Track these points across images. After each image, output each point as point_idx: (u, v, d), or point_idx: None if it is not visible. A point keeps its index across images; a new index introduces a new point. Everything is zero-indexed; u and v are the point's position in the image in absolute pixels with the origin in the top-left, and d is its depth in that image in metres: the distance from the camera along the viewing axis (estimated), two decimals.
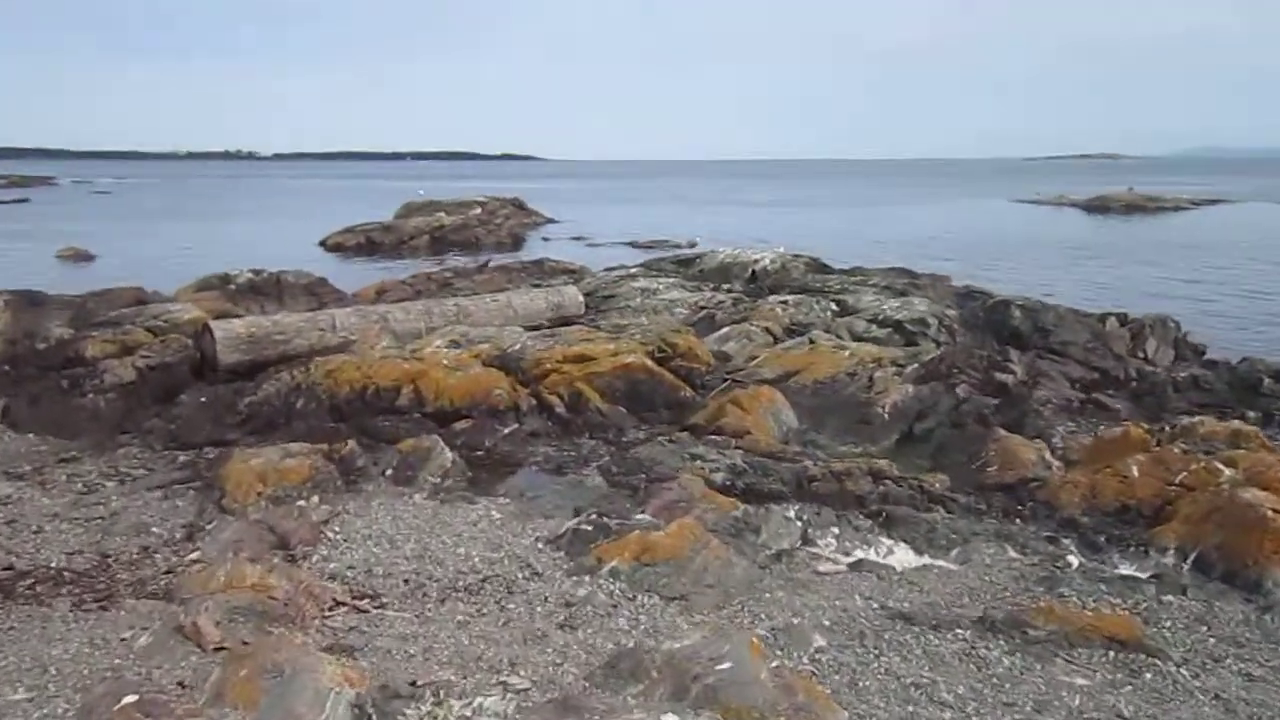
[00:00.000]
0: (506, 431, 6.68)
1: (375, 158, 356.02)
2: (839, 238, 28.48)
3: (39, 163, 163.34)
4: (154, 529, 5.00)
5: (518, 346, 7.73)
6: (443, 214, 29.15)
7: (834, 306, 11.63)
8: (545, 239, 30.27)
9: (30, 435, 7.48)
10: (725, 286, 14.00)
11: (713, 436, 6.36)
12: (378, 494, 5.49)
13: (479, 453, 6.49)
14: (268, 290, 15.04)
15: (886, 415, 7.18)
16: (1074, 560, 4.58)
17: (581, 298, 12.06)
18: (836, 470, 5.44)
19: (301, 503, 5.04)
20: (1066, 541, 4.86)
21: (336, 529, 4.90)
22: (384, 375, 7.15)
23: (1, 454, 7.06)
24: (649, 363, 7.24)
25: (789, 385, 7.78)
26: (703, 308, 12.33)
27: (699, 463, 5.78)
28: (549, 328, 11.32)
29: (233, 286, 15.01)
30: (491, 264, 19.83)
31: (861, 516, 5.03)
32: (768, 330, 10.28)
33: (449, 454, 5.94)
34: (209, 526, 4.87)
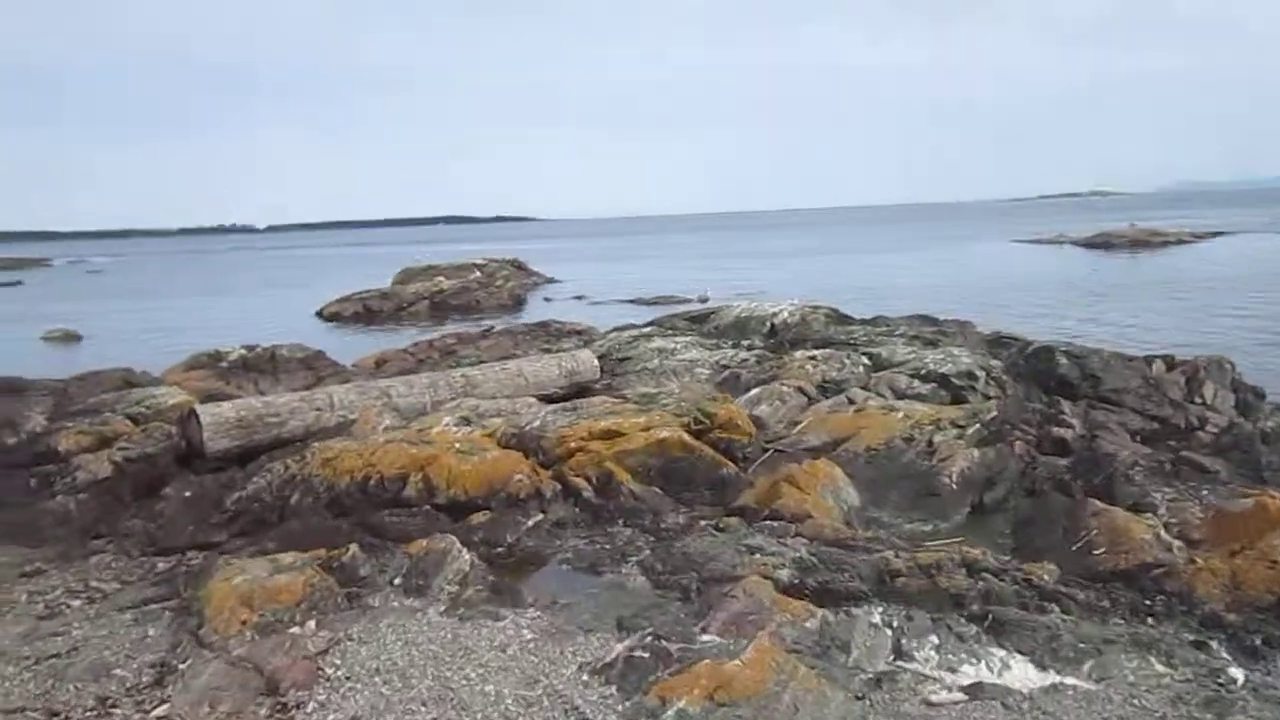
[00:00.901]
0: (530, 524, 5.87)
1: (369, 225, 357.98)
2: (840, 287, 27.82)
3: (33, 245, 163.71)
4: (117, 670, 4.16)
5: (536, 423, 6.94)
6: (441, 278, 28.54)
7: (865, 360, 10.85)
8: (547, 299, 29.63)
9: None
10: (745, 343, 13.26)
11: (768, 522, 5.54)
12: (386, 611, 4.66)
13: (500, 550, 5.67)
14: (262, 366, 14.30)
15: (954, 485, 6.38)
16: (1237, 674, 3.75)
17: (596, 362, 11.31)
18: (924, 562, 4.62)
19: (295, 630, 4.21)
20: (1216, 646, 4.03)
21: (337, 661, 4.07)
22: (389, 463, 6.35)
23: None
24: (686, 437, 6.45)
25: (839, 454, 6.99)
26: (725, 367, 11.57)
27: (758, 556, 4.95)
28: (564, 397, 10.59)
29: (225, 364, 14.27)
30: (495, 329, 19.12)
31: (963, 620, 4.20)
32: (800, 390, 9.51)
33: (466, 556, 5.12)
34: (183, 666, 4.03)
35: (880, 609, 4.33)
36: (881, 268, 37.49)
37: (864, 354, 11.12)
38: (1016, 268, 35.36)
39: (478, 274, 30.12)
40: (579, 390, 11.08)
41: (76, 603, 5.42)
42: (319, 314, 26.89)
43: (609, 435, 6.54)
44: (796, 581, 4.64)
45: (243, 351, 14.62)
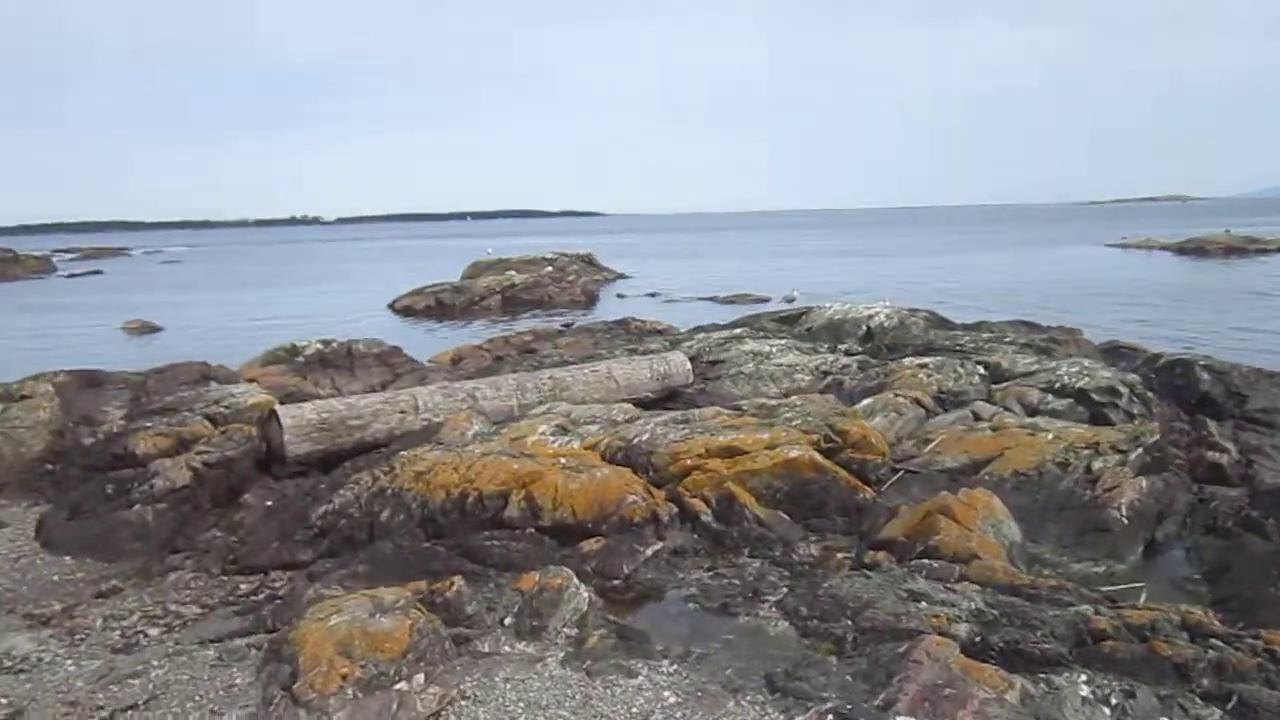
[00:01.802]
0: (649, 553, 5.23)
1: (436, 218, 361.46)
2: (926, 289, 26.79)
3: (113, 234, 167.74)
4: None
5: (645, 436, 6.31)
6: (513, 272, 28.09)
7: (981, 370, 10.06)
8: (620, 295, 29.05)
9: (67, 558, 6.22)
10: (841, 347, 12.52)
11: (924, 561, 4.84)
12: (499, 660, 4.06)
13: (616, 583, 5.05)
14: (338, 362, 13.89)
15: (1125, 519, 5.61)
16: None
17: (689, 365, 10.67)
18: (1134, 622, 3.89)
19: (401, 685, 3.63)
20: None
21: None
22: (488, 479, 5.76)
23: (31, 586, 5.79)
24: (818, 457, 5.77)
25: (982, 478, 6.26)
26: (825, 373, 10.86)
27: (924, 605, 4.26)
28: (655, 401, 9.98)
29: (301, 359, 13.88)
30: (573, 325, 18.58)
31: (1196, 699, 3.48)
32: (917, 401, 8.76)
33: (584, 593, 4.51)
34: None
35: (1085, 678, 3.62)
36: (965, 270, 36.25)
37: (978, 362, 10.32)
38: (1108, 273, 33.91)
39: (549, 269, 29.61)
40: (670, 394, 10.47)
41: (155, 631, 4.93)
42: (391, 307, 26.62)
43: (729, 453, 5.89)
44: (978, 639, 3.94)
45: (319, 346, 14.23)
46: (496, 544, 5.35)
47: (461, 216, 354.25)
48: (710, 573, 5.16)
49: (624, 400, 9.86)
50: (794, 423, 6.22)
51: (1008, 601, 4.28)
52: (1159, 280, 30.59)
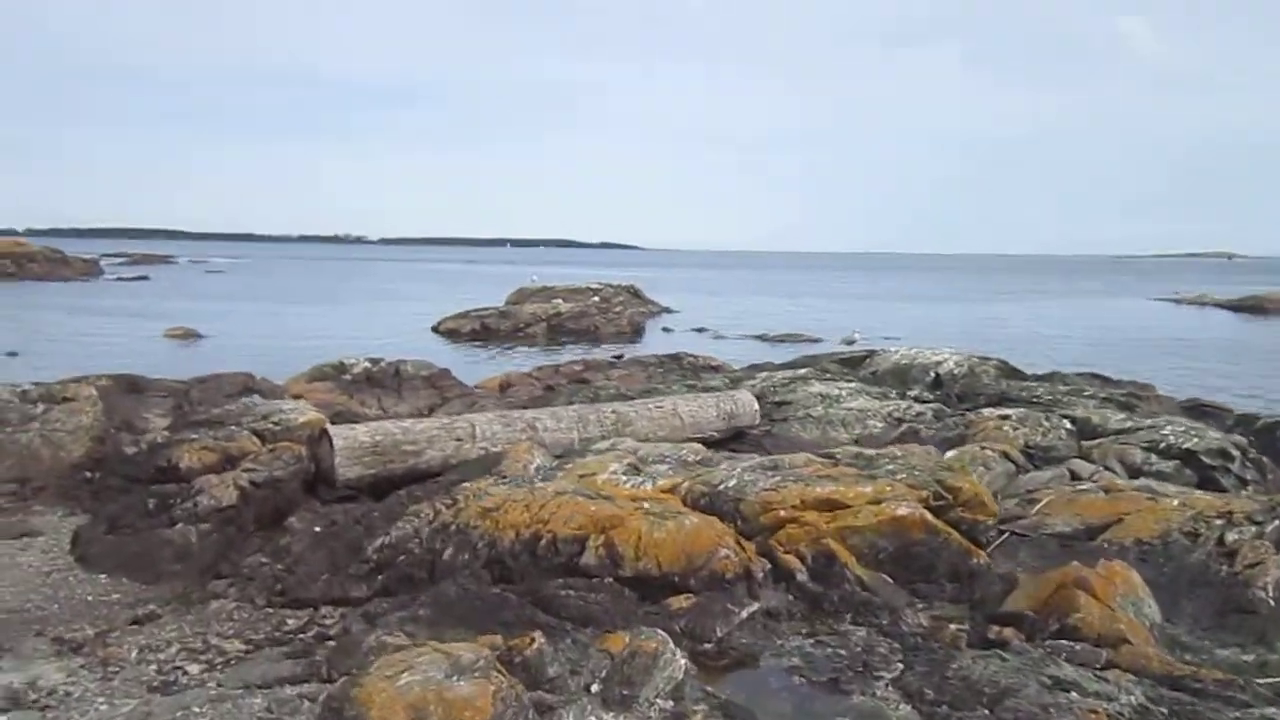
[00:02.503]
0: (744, 615, 4.69)
1: (477, 243, 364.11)
2: (984, 336, 26.11)
3: (160, 242, 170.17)
4: None
5: (732, 482, 5.78)
6: (560, 300, 27.76)
7: (1067, 425, 9.46)
8: (666, 329, 28.62)
9: (102, 576, 5.79)
10: (911, 393, 11.94)
11: (1062, 641, 4.26)
12: None
13: (708, 646, 4.52)
14: (386, 382, 13.50)
15: (1272, 601, 5.00)
16: None
17: (756, 405, 10.14)
18: None
19: None
20: None
21: None
22: (563, 521, 5.26)
23: (63, 605, 5.36)
24: (929, 516, 5.22)
25: (1100, 546, 5.68)
26: (899, 420, 10.29)
27: (1074, 695, 3.70)
28: (719, 441, 9.48)
29: (348, 377, 13.51)
30: (624, 357, 18.13)
31: None
32: (1006, 455, 8.19)
33: (681, 660, 3.99)
34: None
35: None
36: (1019, 319, 35.48)
37: (1062, 416, 9.72)
38: (1165, 327, 33.04)
39: (596, 299, 29.24)
40: (735, 435, 9.96)
41: (195, 668, 4.46)
42: (435, 329, 26.35)
43: (828, 505, 5.35)
44: None
45: (367, 365, 13.86)
46: (573, 594, 4.83)
47: (502, 243, 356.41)
48: (811, 640, 4.61)
49: (689, 439, 9.37)
50: (898, 476, 5.67)
51: (1172, 696, 3.71)
52: (1220, 336, 29.76)
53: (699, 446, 7.89)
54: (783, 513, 5.39)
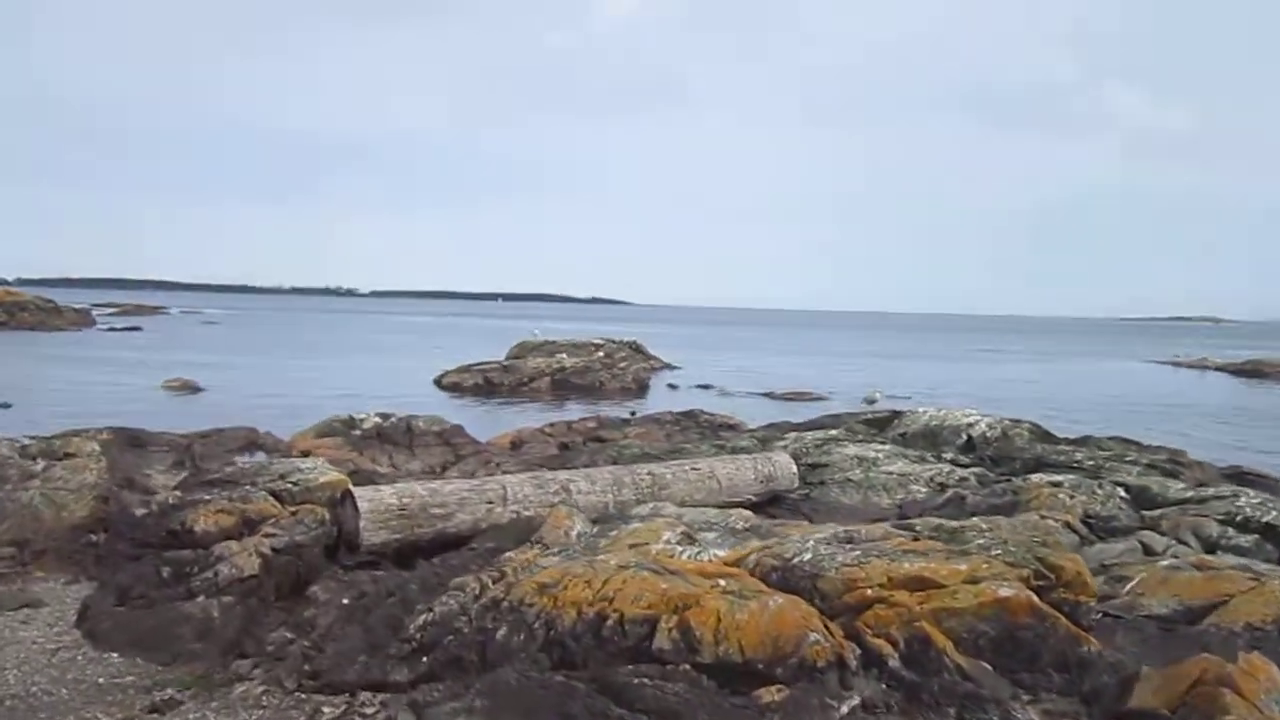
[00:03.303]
0: (845, 711, 4.19)
1: (468, 297, 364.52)
2: (990, 397, 25.70)
3: (151, 293, 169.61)
4: None
5: (807, 556, 5.29)
6: (564, 355, 27.32)
7: (1121, 492, 9.02)
8: (671, 386, 28.16)
9: (114, 655, 5.25)
10: (947, 456, 11.50)
11: None
12: None
13: None
14: (397, 438, 13.03)
15: None
16: None
17: (794, 468, 9.70)
18: None
19: None
20: None
21: None
22: (630, 599, 4.76)
23: (72, 690, 4.82)
24: (1035, 598, 4.75)
25: (1206, 631, 5.21)
26: (942, 485, 9.85)
27: None
28: (755, 505, 9.01)
29: (358, 432, 13.05)
30: (636, 414, 17.68)
31: None
32: (1069, 526, 7.74)
33: None
34: None
35: None
36: (1018, 380, 35.16)
37: (1115, 484, 9.28)
38: (1171, 391, 32.74)
39: (600, 354, 28.83)
40: (772, 498, 9.50)
41: None
42: (438, 382, 25.84)
43: (919, 585, 4.87)
44: None
45: (377, 420, 13.39)
46: (648, 684, 4.32)
47: (494, 297, 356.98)
48: None
49: (726, 503, 8.91)
50: (993, 552, 5.20)
51: None
52: (1227, 401, 29.43)
53: (748, 513, 7.44)
54: (869, 592, 4.90)
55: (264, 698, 4.79)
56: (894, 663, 4.64)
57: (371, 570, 7.05)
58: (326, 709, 4.67)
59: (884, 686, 4.56)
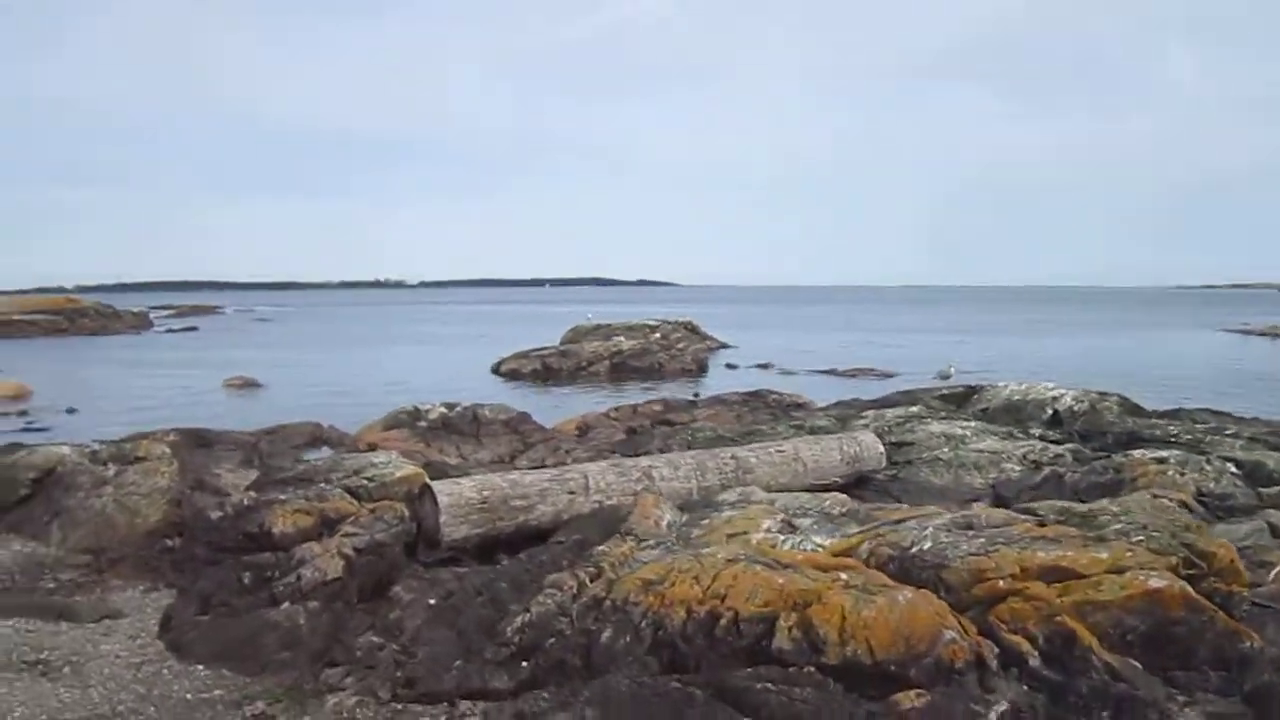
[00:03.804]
0: (992, 718, 3.81)
1: (515, 284, 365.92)
2: (1065, 369, 24.92)
3: (206, 293, 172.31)
4: None
5: (926, 545, 4.92)
6: (621, 338, 27.02)
7: (1231, 468, 8.49)
8: (729, 365, 27.75)
9: (200, 667, 5.02)
10: (1035, 433, 11.01)
11: None
12: None
13: None
14: (464, 428, 12.81)
15: None
16: None
17: (881, 448, 9.29)
18: None
19: None
20: None
21: None
22: (744, 596, 4.43)
23: (160, 706, 4.59)
24: (1189, 590, 4.34)
25: None
26: (1036, 463, 9.38)
27: None
28: (842, 488, 8.64)
29: (424, 424, 12.84)
30: (702, 396, 17.32)
31: None
32: (1183, 504, 7.24)
33: None
34: None
35: None
36: (1088, 352, 34.11)
37: (1224, 459, 8.74)
38: (1246, 360, 31.65)
39: (657, 335, 28.48)
40: (858, 480, 9.11)
41: None
42: (496, 370, 25.68)
43: (1056, 575, 4.48)
44: None
45: (443, 410, 13.18)
46: (771, 688, 3.99)
47: (541, 283, 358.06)
48: None
49: (812, 486, 8.55)
50: (1133, 538, 4.79)
51: None
52: None
53: (843, 497, 7.07)
54: (1001, 583, 4.52)
55: (358, 709, 4.53)
56: (1034, 662, 4.26)
57: (454, 567, 6.81)
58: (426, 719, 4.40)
59: (1024, 688, 4.18)
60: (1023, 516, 5.36)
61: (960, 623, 4.30)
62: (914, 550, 4.95)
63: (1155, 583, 4.32)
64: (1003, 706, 3.88)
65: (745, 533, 5.74)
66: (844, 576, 4.48)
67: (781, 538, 5.68)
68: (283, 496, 7.25)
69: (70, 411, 17.90)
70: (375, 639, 5.41)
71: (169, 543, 7.20)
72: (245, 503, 7.13)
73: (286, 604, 5.32)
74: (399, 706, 4.56)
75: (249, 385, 22.35)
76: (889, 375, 23.85)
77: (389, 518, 6.64)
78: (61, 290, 76.83)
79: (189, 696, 4.67)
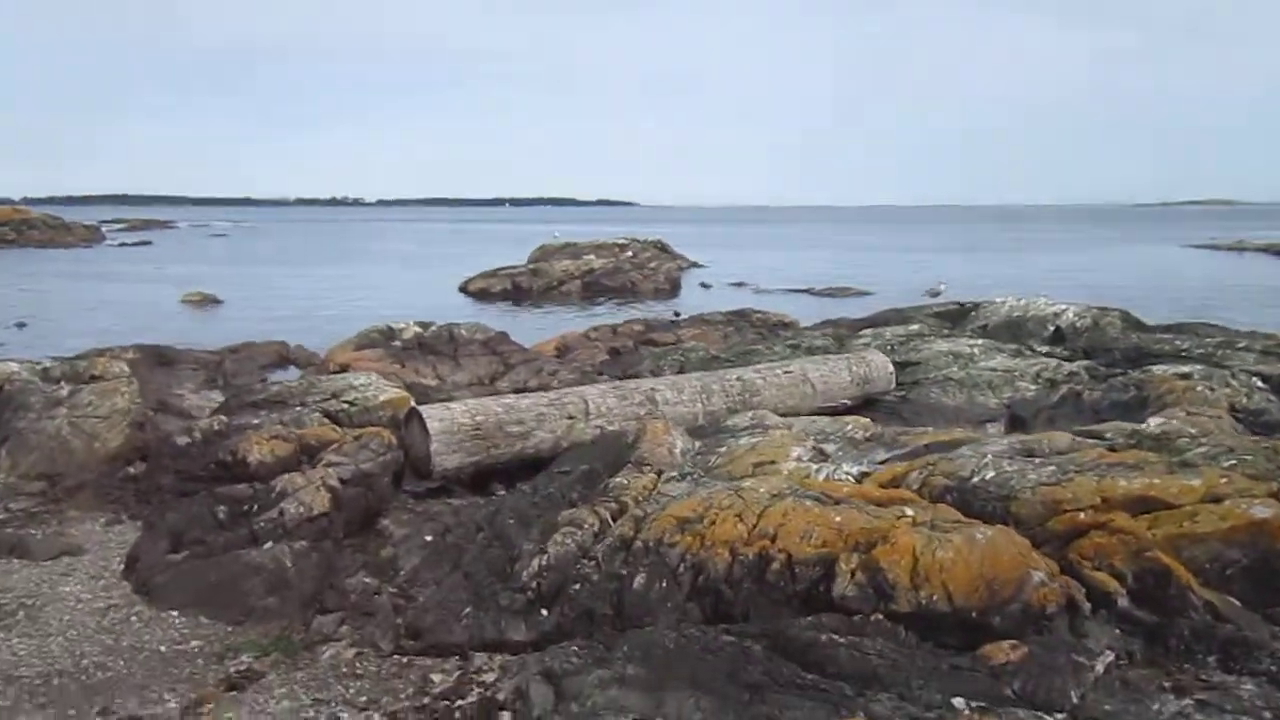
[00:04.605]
0: (1100, 670, 3.34)
1: (475, 203, 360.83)
2: (1044, 286, 24.59)
3: (159, 208, 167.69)
4: None
5: (990, 474, 4.42)
6: (591, 256, 26.27)
7: (1258, 383, 8.11)
8: (704, 285, 27.13)
9: (174, 614, 4.45)
10: (1041, 349, 10.59)
11: None
12: None
13: (1059, 717, 3.18)
14: (440, 348, 12.14)
15: None
16: None
17: (891, 368, 8.81)
18: None
19: None
20: None
21: None
22: (796, 535, 3.91)
23: (130, 660, 4.02)
24: None
25: None
26: (1052, 381, 8.94)
27: None
28: (849, 409, 8.17)
29: (398, 343, 12.15)
30: (683, 316, 16.75)
31: None
32: (1219, 420, 6.82)
33: None
34: None
35: None
36: (1068, 269, 33.81)
37: (1248, 374, 8.36)
38: (1220, 273, 31.59)
39: (628, 254, 27.75)
40: (866, 401, 8.64)
41: None
42: (463, 289, 24.88)
43: (1142, 505, 4.01)
44: None
45: (417, 329, 12.49)
46: (840, 640, 3.49)
47: (500, 202, 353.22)
48: (1190, 700, 3.28)
49: (820, 409, 8.06)
50: (1225, 463, 4.33)
51: None
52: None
53: (865, 421, 6.56)
54: (1081, 516, 4.03)
55: (358, 663, 4.00)
56: (1124, 603, 3.79)
57: (445, 499, 6.28)
58: (436, 676, 3.89)
59: (1116, 632, 3.72)
60: (1089, 441, 4.88)
61: (1049, 565, 3.81)
62: (974, 480, 4.45)
63: (1260, 512, 3.86)
64: (1109, 656, 3.42)
65: (773, 461, 5.23)
66: (909, 512, 3.97)
67: (814, 466, 5.17)
68: (255, 421, 6.65)
69: (20, 326, 16.99)
70: (368, 580, 4.88)
71: (131, 470, 6.58)
72: (215, 427, 6.51)
73: (269, 543, 4.73)
74: (404, 660, 4.04)
75: (208, 301, 21.42)
76: (866, 293, 23.39)
77: (375, 445, 6.05)
78: (8, 202, 74.05)
79: (163, 649, 4.11)
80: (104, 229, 60.35)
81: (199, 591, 4.47)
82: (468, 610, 4.24)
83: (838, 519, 3.95)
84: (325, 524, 5.14)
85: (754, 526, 4.04)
